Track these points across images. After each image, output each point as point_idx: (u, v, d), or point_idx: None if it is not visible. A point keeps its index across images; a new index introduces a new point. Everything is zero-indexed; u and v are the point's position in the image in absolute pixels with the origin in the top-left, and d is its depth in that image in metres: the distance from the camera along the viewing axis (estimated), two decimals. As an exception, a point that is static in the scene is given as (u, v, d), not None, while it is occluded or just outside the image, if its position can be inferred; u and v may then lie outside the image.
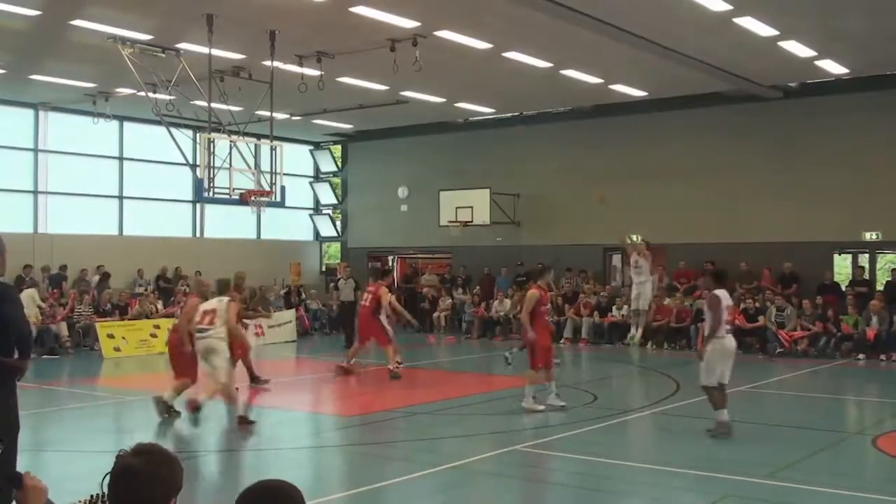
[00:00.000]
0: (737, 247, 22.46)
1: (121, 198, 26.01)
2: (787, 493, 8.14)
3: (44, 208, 24.34)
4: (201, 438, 11.70)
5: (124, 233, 25.96)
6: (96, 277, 23.81)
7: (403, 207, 29.41)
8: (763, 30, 16.10)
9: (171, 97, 18.73)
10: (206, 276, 25.21)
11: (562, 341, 22.76)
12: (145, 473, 2.73)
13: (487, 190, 25.26)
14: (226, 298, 12.23)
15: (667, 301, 21.99)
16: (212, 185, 17.16)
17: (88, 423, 12.36)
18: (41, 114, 24.24)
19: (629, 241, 21.88)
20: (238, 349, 13.37)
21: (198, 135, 19.46)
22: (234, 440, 11.35)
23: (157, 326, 21.35)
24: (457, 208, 25.54)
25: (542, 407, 12.47)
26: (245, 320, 15.07)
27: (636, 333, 20.10)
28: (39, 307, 19.72)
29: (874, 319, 19.08)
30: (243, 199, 17.43)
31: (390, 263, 31.73)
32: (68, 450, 10.26)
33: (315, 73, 18.45)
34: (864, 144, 21.39)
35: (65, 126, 24.68)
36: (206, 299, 12.35)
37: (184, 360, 12.20)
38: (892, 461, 9.78)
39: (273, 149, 18.18)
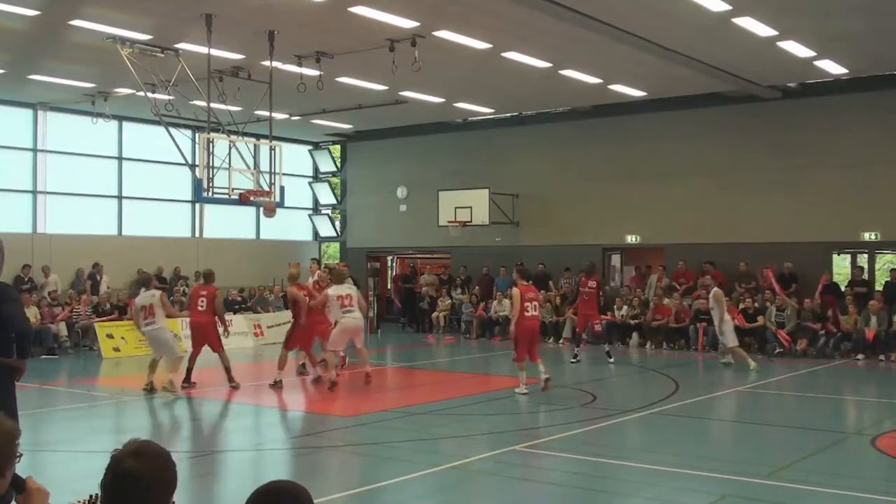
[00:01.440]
0: (736, 247, 22.48)
1: (120, 198, 26.01)
2: (787, 494, 8.15)
3: (43, 208, 24.32)
4: (201, 439, 11.71)
5: (123, 233, 25.96)
6: (96, 278, 23.79)
7: (402, 207, 29.41)
8: (762, 30, 16.11)
9: (170, 97, 18.73)
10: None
11: (560, 341, 22.80)
12: (147, 476, 2.67)
13: (486, 190, 25.27)
14: (353, 286, 15.02)
15: (666, 301, 22.00)
16: (211, 185, 17.14)
17: (87, 423, 12.36)
18: (40, 114, 24.22)
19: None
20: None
21: (197, 135, 19.45)
22: (233, 441, 11.36)
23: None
24: (456, 208, 25.54)
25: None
26: None
27: (750, 363, 17.40)
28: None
29: (873, 320, 19.09)
30: (242, 199, 17.42)
31: (390, 263, 31.83)
32: (67, 450, 10.26)
33: (314, 73, 18.45)
34: (863, 144, 21.41)
35: (64, 126, 24.66)
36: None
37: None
38: (891, 461, 9.78)
39: (272, 149, 18.17)
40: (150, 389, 14.37)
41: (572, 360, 18.61)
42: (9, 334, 6.28)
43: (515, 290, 14.40)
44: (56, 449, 10.34)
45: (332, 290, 14.76)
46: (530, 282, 15.21)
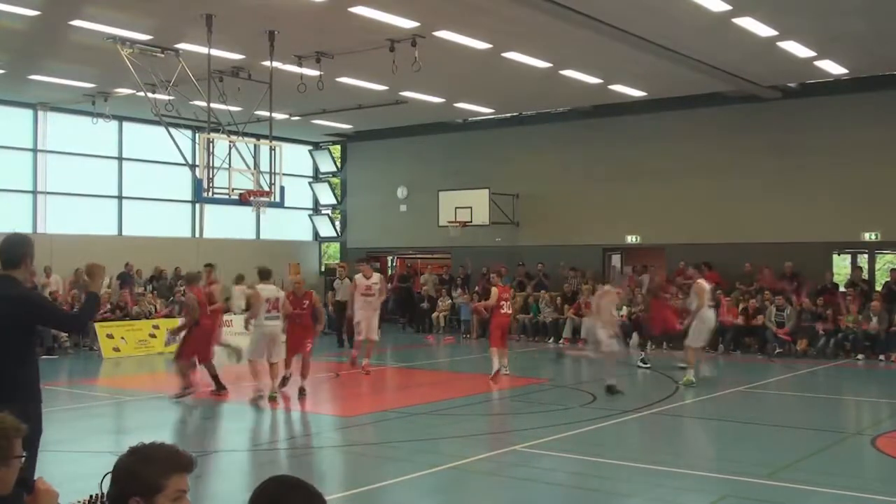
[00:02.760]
0: (736, 247, 22.49)
1: (120, 198, 26.02)
2: (787, 494, 8.15)
3: (43, 208, 24.35)
4: (202, 438, 11.71)
5: (123, 233, 25.96)
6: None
7: (402, 208, 29.41)
8: (762, 30, 16.11)
9: (171, 97, 18.73)
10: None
11: (561, 341, 22.80)
12: (124, 471, 2.76)
13: (486, 190, 25.26)
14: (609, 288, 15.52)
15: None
16: (211, 185, 17.15)
17: (88, 424, 12.36)
18: (40, 114, 24.24)
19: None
20: None
21: (197, 135, 19.47)
22: (232, 441, 11.36)
23: (157, 327, 21.34)
24: (456, 208, 25.53)
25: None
26: None
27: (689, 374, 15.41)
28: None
29: (874, 320, 19.10)
30: (242, 200, 17.42)
31: (390, 263, 31.80)
32: (67, 450, 10.25)
33: (314, 73, 18.45)
34: (863, 144, 21.40)
35: (64, 126, 24.68)
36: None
37: None
38: (891, 461, 9.79)
39: (272, 149, 18.17)
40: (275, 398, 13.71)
41: (681, 366, 16.44)
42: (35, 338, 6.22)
43: (494, 290, 16.35)
44: (56, 449, 10.33)
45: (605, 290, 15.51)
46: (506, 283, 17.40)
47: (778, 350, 19.83)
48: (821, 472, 9.07)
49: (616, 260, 26.24)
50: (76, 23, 15.80)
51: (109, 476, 2.78)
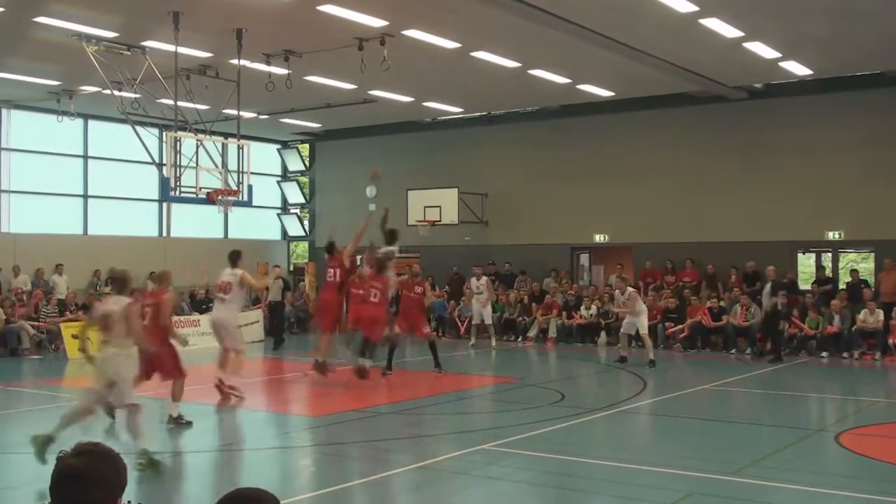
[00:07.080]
0: (702, 246, 22.68)
1: (85, 197, 25.74)
2: (752, 490, 8.23)
3: (6, 207, 24.02)
4: (171, 439, 11.62)
5: (89, 232, 25.69)
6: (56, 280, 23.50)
7: (371, 207, 29.29)
8: (728, 31, 16.26)
9: (137, 95, 18.57)
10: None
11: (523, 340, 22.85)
12: (88, 474, 2.68)
13: (455, 189, 25.28)
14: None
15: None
16: (178, 184, 17.04)
17: (53, 425, 12.20)
18: (4, 112, 23.91)
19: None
20: None
21: (164, 133, 19.32)
22: (198, 442, 11.28)
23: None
24: (425, 207, 25.52)
25: None
26: None
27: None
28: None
29: (836, 318, 19.32)
30: (210, 199, 17.31)
31: (359, 262, 31.64)
32: (32, 452, 10.13)
33: (282, 71, 18.38)
34: (827, 145, 21.68)
35: (28, 124, 24.38)
36: None
37: None
38: (854, 457, 9.92)
39: (240, 148, 18.08)
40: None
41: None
42: None
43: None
44: (22, 452, 10.21)
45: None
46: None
47: (748, 351, 20.00)
48: (785, 469, 9.17)
49: (584, 259, 26.39)
50: (40, 19, 15.61)
51: (69, 483, 2.67)
